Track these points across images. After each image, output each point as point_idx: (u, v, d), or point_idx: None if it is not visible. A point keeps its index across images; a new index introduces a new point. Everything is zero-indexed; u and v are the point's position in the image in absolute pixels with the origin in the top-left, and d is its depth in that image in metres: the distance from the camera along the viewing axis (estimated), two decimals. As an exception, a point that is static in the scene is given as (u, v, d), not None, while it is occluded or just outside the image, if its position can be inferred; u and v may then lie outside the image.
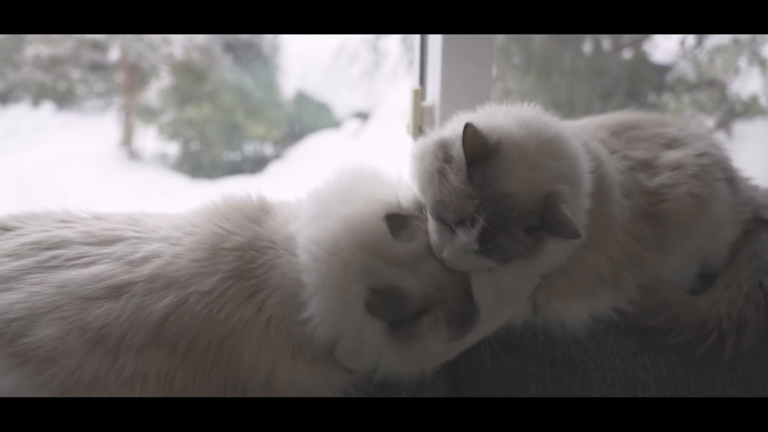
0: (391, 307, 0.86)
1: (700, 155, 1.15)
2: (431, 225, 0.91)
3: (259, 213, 0.97)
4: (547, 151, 0.92)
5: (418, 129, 1.28)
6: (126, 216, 0.98)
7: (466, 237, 0.86)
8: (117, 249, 0.90)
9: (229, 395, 0.88)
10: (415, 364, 0.95)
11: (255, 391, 0.88)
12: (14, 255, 0.89)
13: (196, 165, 2.94)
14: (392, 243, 0.88)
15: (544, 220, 0.88)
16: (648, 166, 1.13)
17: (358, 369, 0.94)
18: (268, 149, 3.14)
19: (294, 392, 0.89)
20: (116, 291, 0.86)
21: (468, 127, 0.86)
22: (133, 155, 2.90)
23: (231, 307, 0.86)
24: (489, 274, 0.94)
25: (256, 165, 3.02)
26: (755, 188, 1.25)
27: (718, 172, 1.15)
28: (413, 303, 0.87)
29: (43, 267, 0.87)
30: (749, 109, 2.94)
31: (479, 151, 0.87)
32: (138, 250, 0.90)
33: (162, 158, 2.94)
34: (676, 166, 1.13)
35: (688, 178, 1.11)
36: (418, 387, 1.01)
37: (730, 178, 1.18)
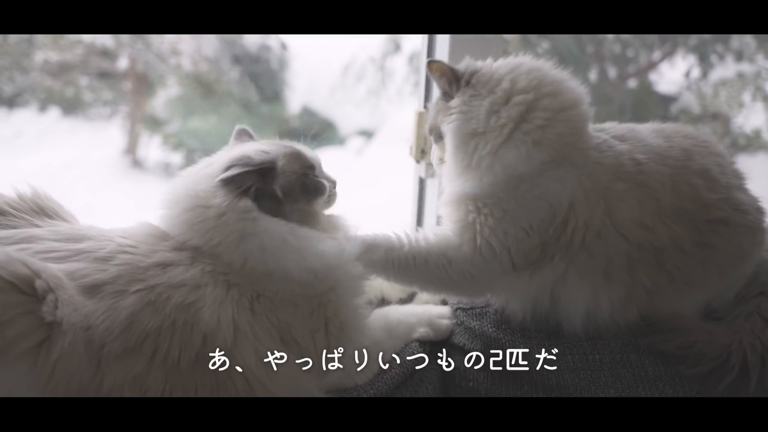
0: (239, 163, 0.96)
1: (759, 209, 1.13)
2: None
3: None
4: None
5: (421, 152, 1.28)
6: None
7: None
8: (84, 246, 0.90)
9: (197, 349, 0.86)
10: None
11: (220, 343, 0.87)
12: None
13: (199, 176, 2.94)
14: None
15: None
16: (708, 179, 1.07)
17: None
18: (272, 163, 3.13)
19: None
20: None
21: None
22: (137, 163, 2.91)
23: (181, 270, 0.90)
24: None
25: (259, 178, 3.01)
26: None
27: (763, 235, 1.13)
28: (256, 160, 0.98)
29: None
30: (752, 143, 2.96)
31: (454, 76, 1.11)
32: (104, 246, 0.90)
33: (165, 168, 2.95)
34: (740, 207, 1.08)
35: (746, 228, 1.08)
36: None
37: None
